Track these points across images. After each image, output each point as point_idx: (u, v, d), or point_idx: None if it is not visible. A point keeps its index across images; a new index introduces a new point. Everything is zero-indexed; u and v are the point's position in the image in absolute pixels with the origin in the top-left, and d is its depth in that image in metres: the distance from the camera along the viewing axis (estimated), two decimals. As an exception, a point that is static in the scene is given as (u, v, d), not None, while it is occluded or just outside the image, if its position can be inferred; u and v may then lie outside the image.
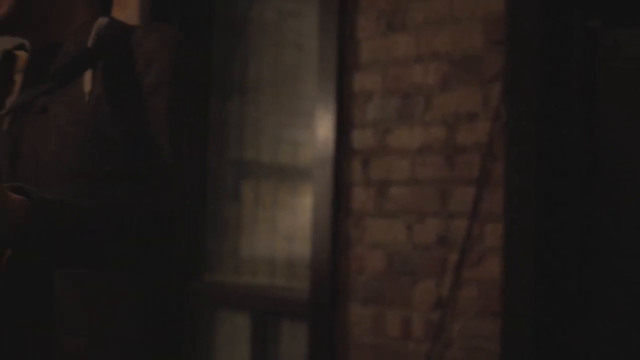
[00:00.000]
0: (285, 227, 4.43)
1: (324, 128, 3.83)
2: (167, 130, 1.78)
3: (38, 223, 1.56)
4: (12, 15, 1.86)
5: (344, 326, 3.76)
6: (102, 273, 1.79)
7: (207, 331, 4.70)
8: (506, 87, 3.24)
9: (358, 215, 3.74)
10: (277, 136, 4.52)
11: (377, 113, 3.68)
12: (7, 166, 1.88)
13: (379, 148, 3.67)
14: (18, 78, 1.42)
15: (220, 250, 4.69)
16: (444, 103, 3.47)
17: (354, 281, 3.73)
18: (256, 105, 4.61)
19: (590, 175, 3.19)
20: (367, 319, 3.67)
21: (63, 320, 1.76)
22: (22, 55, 1.46)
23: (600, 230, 3.17)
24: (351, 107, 3.77)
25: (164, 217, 1.71)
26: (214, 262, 4.70)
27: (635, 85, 3.15)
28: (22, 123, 1.87)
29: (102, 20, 1.90)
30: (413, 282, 3.53)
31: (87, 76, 1.84)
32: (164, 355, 1.85)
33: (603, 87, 3.19)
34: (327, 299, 3.80)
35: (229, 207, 4.68)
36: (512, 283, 3.18)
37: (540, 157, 3.15)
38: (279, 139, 4.52)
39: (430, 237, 3.47)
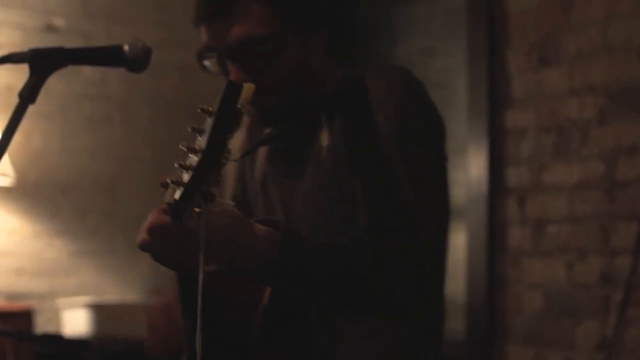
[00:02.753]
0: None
1: (476, 166, 3.78)
2: (407, 177, 1.73)
3: (285, 255, 1.54)
4: (282, 113, 1.84)
5: (503, 368, 3.69)
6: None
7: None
8: (668, 118, 3.14)
9: (515, 254, 3.67)
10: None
11: (532, 149, 3.61)
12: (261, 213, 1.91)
13: (535, 185, 3.60)
14: (244, 110, 1.42)
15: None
16: (601, 137, 3.38)
17: (512, 322, 3.66)
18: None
19: None
20: (527, 361, 3.60)
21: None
22: (248, 87, 1.45)
23: None
24: (504, 144, 3.71)
25: (412, 264, 1.67)
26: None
27: None
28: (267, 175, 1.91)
29: (339, 74, 1.87)
30: (575, 322, 3.43)
31: (324, 130, 1.82)
32: None
33: None
34: (484, 340, 3.74)
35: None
36: None
37: None
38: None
39: (593, 276, 3.37)
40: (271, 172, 1.94)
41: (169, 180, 1.39)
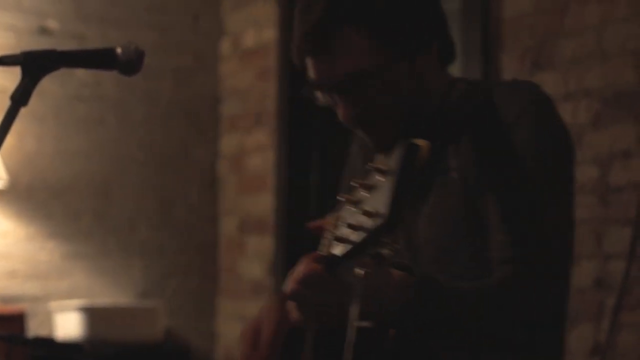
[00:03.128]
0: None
1: (470, 170, 3.77)
2: (539, 205, 1.68)
3: (421, 301, 1.53)
4: (396, 136, 1.69)
5: None
6: None
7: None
8: (662, 123, 3.14)
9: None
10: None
11: (526, 153, 3.61)
12: None
13: (528, 189, 3.59)
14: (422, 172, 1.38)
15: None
16: (595, 141, 3.38)
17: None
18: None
19: None
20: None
21: None
22: (425, 145, 1.39)
23: None
24: (498, 148, 3.70)
25: (542, 308, 1.65)
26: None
27: None
28: None
29: (459, 85, 1.82)
30: (569, 328, 3.42)
31: (451, 149, 1.75)
32: None
33: None
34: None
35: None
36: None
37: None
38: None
39: (586, 280, 3.37)
40: None
41: (328, 232, 1.40)
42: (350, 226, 1.36)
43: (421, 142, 1.38)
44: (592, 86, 3.40)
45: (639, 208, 3.22)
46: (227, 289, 4.93)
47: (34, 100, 1.68)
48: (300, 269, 1.46)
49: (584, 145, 3.41)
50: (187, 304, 4.89)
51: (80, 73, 4.62)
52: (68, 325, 4.38)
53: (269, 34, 4.77)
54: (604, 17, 3.38)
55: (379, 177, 1.36)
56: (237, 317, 4.82)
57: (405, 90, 1.76)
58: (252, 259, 4.80)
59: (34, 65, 1.70)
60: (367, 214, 1.34)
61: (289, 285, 1.48)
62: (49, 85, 4.58)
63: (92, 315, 4.35)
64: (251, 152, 4.86)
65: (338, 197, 1.43)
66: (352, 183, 1.41)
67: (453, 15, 4.11)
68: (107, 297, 4.68)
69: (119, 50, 1.70)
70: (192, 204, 4.87)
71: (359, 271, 1.38)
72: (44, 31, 4.64)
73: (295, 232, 4.52)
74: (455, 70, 4.17)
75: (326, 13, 1.70)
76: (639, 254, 3.22)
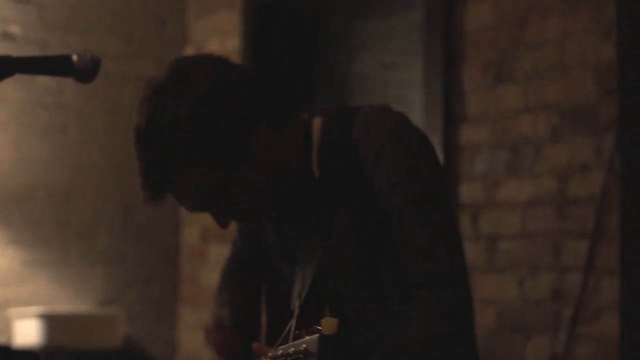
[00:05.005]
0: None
1: (430, 181, 3.77)
2: (419, 230, 1.76)
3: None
4: (268, 211, 1.92)
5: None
6: None
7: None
8: (620, 137, 3.16)
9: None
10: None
11: (486, 166, 3.63)
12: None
13: (488, 201, 3.61)
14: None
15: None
16: (554, 154, 3.40)
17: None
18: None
19: None
20: (479, 377, 3.59)
21: None
22: (332, 323, 1.62)
23: None
24: (458, 160, 3.72)
25: (459, 323, 1.79)
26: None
27: None
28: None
29: (316, 141, 1.87)
30: (526, 339, 3.44)
31: (335, 211, 1.84)
32: None
33: None
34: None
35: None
36: (629, 340, 3.07)
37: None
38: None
39: (544, 292, 3.39)
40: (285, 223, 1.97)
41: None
42: None
43: (327, 322, 1.59)
44: (552, 99, 3.43)
45: (597, 221, 3.24)
46: (188, 297, 4.92)
47: (-5, 106, 1.67)
48: None
49: (543, 157, 3.44)
50: (148, 311, 4.87)
51: (43, 80, 4.60)
52: (27, 332, 4.35)
53: (233, 42, 4.77)
54: (564, 31, 3.41)
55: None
56: (198, 325, 4.80)
57: (259, 180, 1.84)
58: (213, 268, 4.78)
59: (-11, 71, 1.69)
60: None
61: None
62: (11, 91, 4.56)
63: (52, 322, 4.33)
64: (214, 160, 4.85)
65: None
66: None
67: (416, 27, 4.13)
68: (68, 304, 4.65)
69: (74, 57, 1.69)
70: (153, 212, 4.85)
71: None
72: (6, 37, 4.61)
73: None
74: (417, 83, 4.19)
75: (150, 173, 1.86)
76: (596, 266, 3.24)
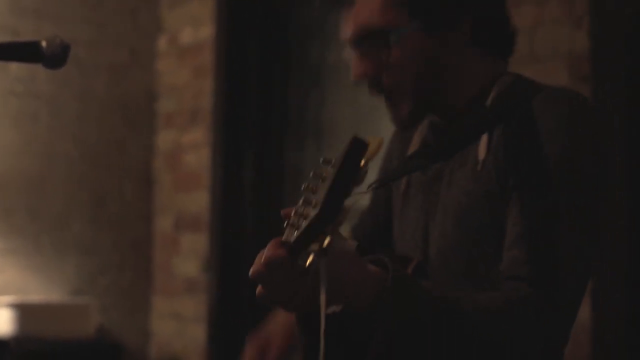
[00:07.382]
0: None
1: (404, 170, 3.78)
2: (566, 229, 1.57)
3: (393, 300, 1.46)
4: (414, 114, 1.75)
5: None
6: None
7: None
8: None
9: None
10: (355, 179, 4.48)
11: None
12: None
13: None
14: (366, 168, 1.36)
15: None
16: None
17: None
18: (333, 149, 4.58)
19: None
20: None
21: None
22: (376, 141, 1.40)
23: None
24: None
25: (545, 343, 1.55)
26: None
27: None
28: (418, 190, 1.78)
29: (505, 79, 1.73)
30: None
31: (483, 141, 1.66)
32: None
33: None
34: None
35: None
36: (601, 327, 3.09)
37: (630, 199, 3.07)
38: (357, 182, 4.48)
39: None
40: (417, 178, 1.81)
41: (289, 217, 1.41)
42: (300, 214, 1.39)
43: (372, 139, 1.39)
44: (524, 88, 3.43)
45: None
46: (161, 287, 4.90)
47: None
48: (266, 252, 1.44)
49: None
50: (121, 301, 4.85)
51: (14, 68, 4.57)
52: (-1, 321, 4.34)
53: (206, 31, 4.75)
54: (536, 20, 3.41)
55: (329, 169, 1.40)
56: (171, 314, 4.80)
57: (422, 65, 1.71)
58: (186, 257, 4.78)
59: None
60: (312, 203, 1.38)
61: (253, 266, 1.46)
62: (-19, 79, 4.54)
63: (23, 311, 4.31)
64: (187, 149, 4.84)
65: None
66: (312, 172, 1.43)
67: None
68: (40, 293, 4.63)
69: (43, 43, 1.68)
70: (126, 201, 4.84)
71: (311, 253, 1.38)
72: (-23, 24, 4.59)
73: (230, 231, 4.51)
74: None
75: None
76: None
